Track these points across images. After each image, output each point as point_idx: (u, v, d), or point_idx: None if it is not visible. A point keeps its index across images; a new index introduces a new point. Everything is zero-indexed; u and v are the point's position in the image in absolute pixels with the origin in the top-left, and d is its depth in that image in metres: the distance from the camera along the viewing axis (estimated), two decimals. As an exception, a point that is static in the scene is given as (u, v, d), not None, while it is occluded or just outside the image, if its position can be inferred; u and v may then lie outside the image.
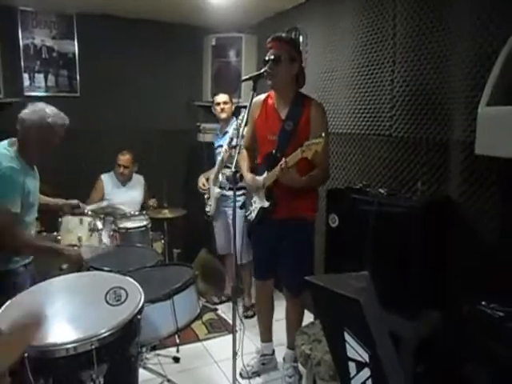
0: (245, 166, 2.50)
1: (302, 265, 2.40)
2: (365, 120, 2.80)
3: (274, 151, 2.34)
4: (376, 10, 2.66)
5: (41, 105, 2.13)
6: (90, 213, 2.80)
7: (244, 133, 2.40)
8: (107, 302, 1.65)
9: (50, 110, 2.12)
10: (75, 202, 2.66)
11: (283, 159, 2.10)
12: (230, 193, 2.94)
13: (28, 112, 2.09)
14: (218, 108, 3.41)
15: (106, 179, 3.68)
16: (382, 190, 2.33)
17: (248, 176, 2.43)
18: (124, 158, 3.63)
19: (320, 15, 3.21)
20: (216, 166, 3.41)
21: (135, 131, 3.99)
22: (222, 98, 3.41)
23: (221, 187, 3.37)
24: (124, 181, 3.70)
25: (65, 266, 2.49)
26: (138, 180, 3.81)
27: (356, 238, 2.24)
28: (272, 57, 2.23)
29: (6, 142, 2.12)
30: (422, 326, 2.06)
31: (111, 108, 3.91)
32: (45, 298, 1.72)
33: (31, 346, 1.38)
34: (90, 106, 3.78)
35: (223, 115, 3.41)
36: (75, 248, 2.32)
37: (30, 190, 2.10)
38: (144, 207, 3.67)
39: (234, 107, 3.45)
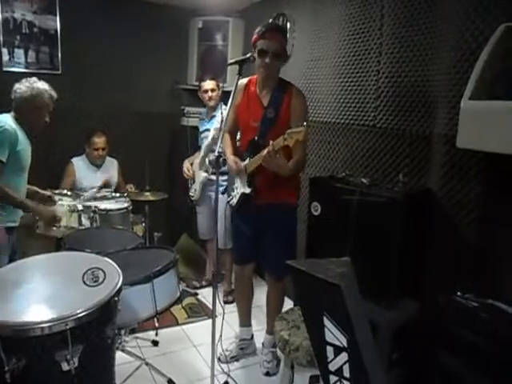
0: (228, 150, 2.49)
1: (285, 248, 2.41)
2: (349, 110, 2.81)
3: (256, 138, 2.33)
4: (364, 0, 2.65)
5: (33, 79, 2.40)
6: (59, 202, 2.76)
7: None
8: (84, 283, 1.62)
9: (41, 83, 2.40)
10: (48, 193, 2.65)
11: (271, 142, 2.05)
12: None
13: (20, 83, 2.37)
14: (206, 96, 3.36)
15: (78, 163, 3.54)
16: (364, 180, 2.35)
17: (230, 158, 2.42)
18: (100, 140, 3.51)
19: (308, 2, 3.18)
20: (202, 150, 3.38)
21: (117, 112, 3.92)
22: (209, 84, 3.35)
23: (206, 171, 3.34)
24: (98, 164, 3.59)
25: (40, 224, 2.60)
26: (112, 163, 3.71)
27: (337, 226, 2.26)
28: (274, 51, 2.23)
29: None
30: (399, 315, 2.10)
31: (93, 88, 3.81)
32: (21, 276, 1.69)
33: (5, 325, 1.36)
34: (71, 85, 3.68)
35: (211, 103, 3.37)
36: (49, 207, 2.54)
37: (23, 150, 2.31)
38: (118, 191, 3.53)
39: (221, 92, 3.41)
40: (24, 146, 2.33)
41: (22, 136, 2.31)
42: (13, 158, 2.23)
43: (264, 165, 2.14)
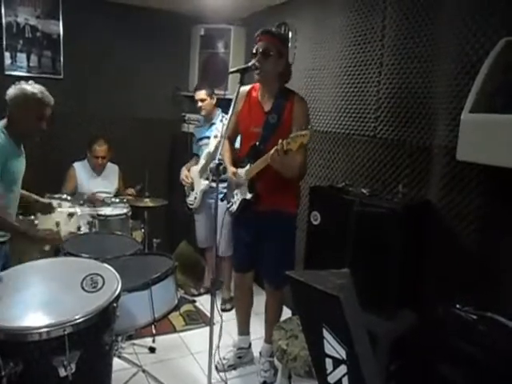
0: (228, 158, 2.49)
1: (284, 258, 2.41)
2: (350, 120, 2.82)
3: (257, 143, 2.33)
4: (366, 11, 2.68)
5: (28, 82, 2.20)
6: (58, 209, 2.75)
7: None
8: (83, 289, 1.62)
9: (33, 86, 2.18)
10: (47, 201, 2.61)
11: (279, 141, 1.99)
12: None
13: (13, 87, 2.17)
14: (197, 105, 3.39)
15: (79, 168, 3.53)
16: (364, 190, 2.36)
17: (230, 170, 2.41)
18: (101, 148, 3.48)
19: (310, 12, 3.21)
20: (202, 158, 3.37)
21: (118, 117, 3.93)
22: (198, 95, 3.37)
23: (207, 179, 3.33)
24: (99, 170, 3.58)
25: (47, 248, 2.47)
26: (113, 169, 3.69)
27: (337, 236, 2.26)
28: (261, 50, 2.23)
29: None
30: (398, 325, 2.09)
31: (95, 93, 3.83)
32: (19, 281, 1.68)
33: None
34: (73, 90, 3.69)
35: (202, 112, 3.41)
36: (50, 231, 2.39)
37: (12, 165, 2.13)
38: (118, 197, 3.50)
39: (215, 100, 3.41)
40: (15, 160, 2.17)
41: (12, 149, 2.14)
42: (3, 173, 2.08)
43: (271, 163, 2.08)
